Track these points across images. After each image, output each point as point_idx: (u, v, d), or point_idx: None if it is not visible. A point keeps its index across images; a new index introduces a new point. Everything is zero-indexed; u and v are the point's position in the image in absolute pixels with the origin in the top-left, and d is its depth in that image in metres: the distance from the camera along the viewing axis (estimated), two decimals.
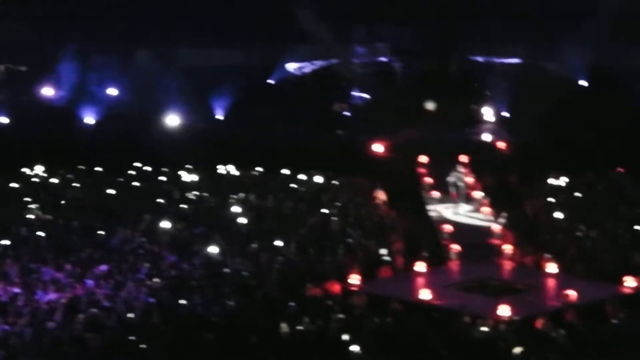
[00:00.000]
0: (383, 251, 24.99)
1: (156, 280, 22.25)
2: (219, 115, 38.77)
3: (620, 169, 33.00)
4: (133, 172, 33.81)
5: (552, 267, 23.98)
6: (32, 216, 28.26)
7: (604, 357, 17.29)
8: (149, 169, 34.26)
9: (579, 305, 20.73)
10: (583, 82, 40.49)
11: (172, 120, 37.12)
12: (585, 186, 31.69)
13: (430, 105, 39.15)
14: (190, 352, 17.75)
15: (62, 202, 30.40)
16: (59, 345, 18.26)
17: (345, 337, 18.38)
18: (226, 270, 23.10)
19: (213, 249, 24.48)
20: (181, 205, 29.54)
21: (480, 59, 42.14)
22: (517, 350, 17.58)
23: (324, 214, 28.38)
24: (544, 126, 36.02)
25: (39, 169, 34.23)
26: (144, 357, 17.83)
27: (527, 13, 39.74)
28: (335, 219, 27.87)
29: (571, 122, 36.32)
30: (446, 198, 30.78)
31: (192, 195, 30.91)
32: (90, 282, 22.17)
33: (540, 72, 41.14)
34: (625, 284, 22.14)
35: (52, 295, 21.22)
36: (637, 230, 26.54)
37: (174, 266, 23.44)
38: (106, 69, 39.79)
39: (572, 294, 21.35)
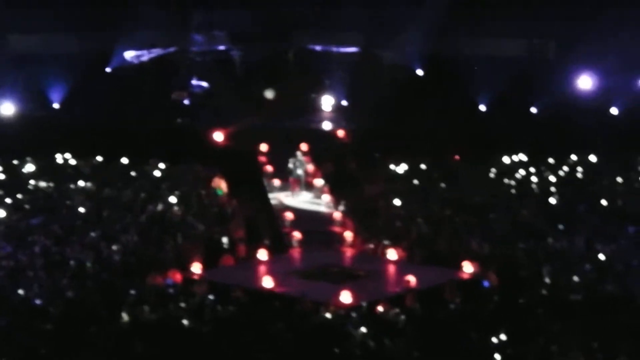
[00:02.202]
0: (224, 239, 24.90)
1: None
2: (56, 104, 38.15)
3: (457, 157, 33.65)
4: None
5: (391, 254, 24.25)
6: None
7: (442, 339, 17.45)
8: None
9: (419, 290, 20.97)
10: (419, 70, 41.12)
11: (7, 109, 36.55)
12: (422, 173, 32.20)
13: (269, 94, 39.37)
14: (27, 343, 17.28)
15: None
16: None
17: (186, 324, 18.39)
18: (65, 259, 22.64)
19: (51, 239, 24.05)
20: (18, 195, 29.05)
21: (318, 47, 42.34)
22: (358, 335, 17.76)
23: (165, 202, 28.22)
24: (381, 114, 36.55)
25: None
26: None
27: (364, 1, 40.05)
28: (176, 207, 27.78)
29: (408, 109, 36.87)
30: (287, 185, 30.94)
31: (30, 184, 30.42)
32: None
33: (377, 61, 41.63)
34: (463, 269, 22.53)
35: None
36: (472, 216, 27.07)
37: (10, 256, 22.81)
38: None
39: (411, 279, 21.61)
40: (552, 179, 31.91)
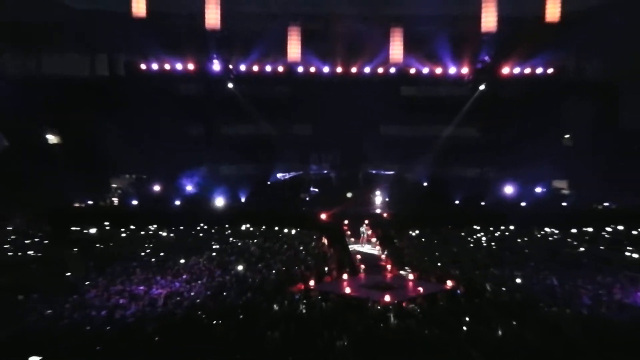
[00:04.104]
0: (326, 268, 24.97)
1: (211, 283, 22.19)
2: (242, 199, 38.72)
3: (449, 227, 33.42)
4: (199, 229, 33.84)
5: (411, 276, 24.17)
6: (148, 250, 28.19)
7: (437, 320, 17.34)
8: (206, 226, 34.20)
9: (424, 295, 20.97)
10: (425, 184, 40.97)
11: (219, 202, 37.20)
12: (428, 236, 32.13)
13: (349, 195, 39.48)
14: (226, 320, 17.45)
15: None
16: (161, 316, 18.10)
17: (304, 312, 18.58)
18: (246, 278, 22.89)
19: (239, 268, 24.41)
20: (222, 245, 29.57)
21: (374, 171, 42.39)
22: (393, 317, 17.84)
23: (295, 249, 28.51)
24: (406, 205, 36.50)
25: (153, 227, 33.95)
26: (201, 320, 17.59)
27: (397, 148, 40.11)
28: (302, 252, 27.95)
29: (419, 203, 36.78)
30: (357, 241, 30.98)
31: (229, 240, 30.98)
32: (177, 284, 21.98)
33: (403, 178, 41.58)
34: (447, 284, 22.36)
35: (158, 291, 20.98)
36: (452, 258, 26.94)
37: (219, 277, 23.08)
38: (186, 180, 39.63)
39: (421, 289, 21.65)
40: (492, 238, 31.55)
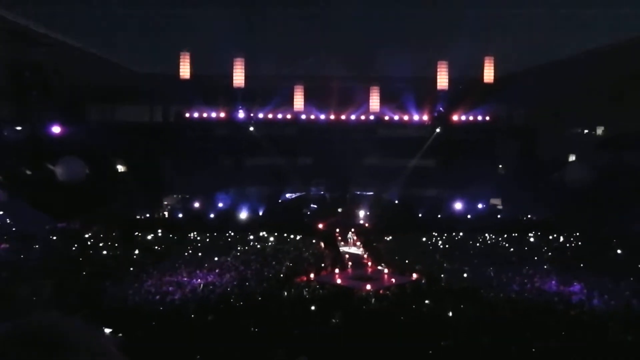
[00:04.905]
0: (322, 264, 24.88)
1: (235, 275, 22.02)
2: (260, 213, 38.55)
3: (414, 233, 33.02)
4: (228, 235, 33.56)
5: (386, 270, 24.06)
6: (190, 251, 27.98)
7: (404, 302, 17.29)
8: (233, 233, 33.86)
9: (397, 284, 20.97)
10: (396, 202, 40.88)
11: (243, 214, 36.97)
12: (398, 240, 31.78)
13: (340, 210, 39.12)
14: (247, 303, 17.40)
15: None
16: (200, 300, 18.04)
17: (307, 296, 18.54)
18: (263, 270, 22.72)
19: (259, 264, 24.20)
20: (245, 247, 29.33)
21: (358, 192, 42.04)
22: (373, 300, 17.83)
23: (300, 250, 28.30)
24: (381, 218, 36.30)
25: (194, 233, 33.56)
26: (229, 303, 17.50)
27: (375, 175, 39.95)
28: (305, 253, 27.78)
29: (393, 217, 36.24)
30: (346, 244, 30.90)
31: (250, 242, 30.72)
32: (211, 276, 21.78)
33: (380, 198, 41.26)
34: (413, 276, 22.33)
35: (197, 281, 20.77)
36: (416, 257, 26.59)
37: (243, 271, 22.81)
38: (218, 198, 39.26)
39: (393, 280, 21.65)
40: (446, 241, 31.28)
